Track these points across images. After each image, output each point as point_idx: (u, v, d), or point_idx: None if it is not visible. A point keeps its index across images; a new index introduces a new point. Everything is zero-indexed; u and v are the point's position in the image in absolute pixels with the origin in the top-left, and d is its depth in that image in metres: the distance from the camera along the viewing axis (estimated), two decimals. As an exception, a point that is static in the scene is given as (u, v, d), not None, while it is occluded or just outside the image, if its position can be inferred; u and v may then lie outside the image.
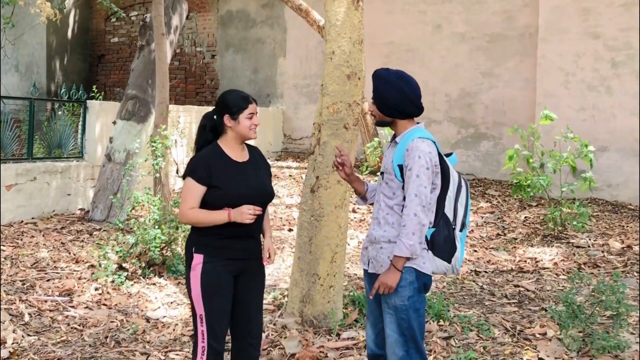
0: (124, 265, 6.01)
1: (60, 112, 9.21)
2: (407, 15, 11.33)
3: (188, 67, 14.10)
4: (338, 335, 4.56)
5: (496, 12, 10.58)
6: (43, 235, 7.33)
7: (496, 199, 9.32)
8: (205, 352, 3.17)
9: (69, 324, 4.94)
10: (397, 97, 3.05)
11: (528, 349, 4.31)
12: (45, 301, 5.37)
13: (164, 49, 7.71)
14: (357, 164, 10.65)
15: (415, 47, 11.26)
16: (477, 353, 4.22)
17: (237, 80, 13.29)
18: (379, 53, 11.18)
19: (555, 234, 7.48)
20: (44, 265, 6.29)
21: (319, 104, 4.70)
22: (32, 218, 8.02)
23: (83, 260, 6.43)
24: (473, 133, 10.83)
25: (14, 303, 5.24)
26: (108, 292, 5.61)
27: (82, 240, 7.26)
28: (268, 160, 11.57)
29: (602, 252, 6.85)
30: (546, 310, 5.03)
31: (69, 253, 6.72)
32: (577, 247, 7.07)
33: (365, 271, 3.20)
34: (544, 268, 6.42)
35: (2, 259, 6.31)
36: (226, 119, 3.25)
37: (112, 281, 5.76)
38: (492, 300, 5.45)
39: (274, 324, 4.74)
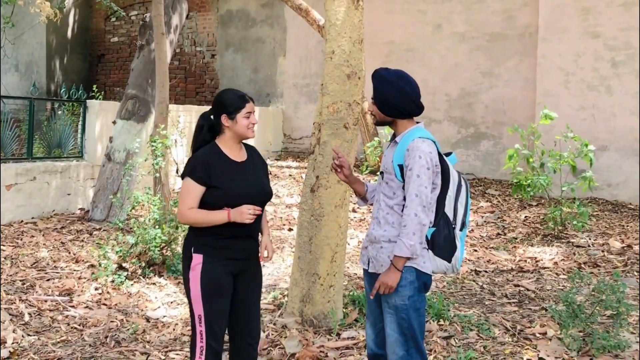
0: (124, 265, 6.01)
1: (60, 112, 9.21)
2: (407, 15, 11.33)
3: (188, 67, 14.10)
4: (338, 334, 4.56)
5: (496, 12, 10.57)
6: (43, 235, 7.33)
7: (496, 198, 9.32)
8: (204, 352, 3.17)
9: (69, 324, 4.94)
10: (397, 97, 3.05)
11: (528, 348, 4.31)
12: (45, 301, 5.37)
13: (163, 48, 7.71)
14: (357, 164, 10.65)
15: (415, 47, 11.26)
16: (477, 353, 4.21)
17: (237, 80, 13.29)
18: (379, 52, 11.18)
19: (556, 233, 7.48)
20: (43, 265, 6.28)
21: (319, 104, 4.70)
22: (32, 218, 8.02)
23: (83, 260, 6.43)
24: (473, 133, 10.82)
25: (14, 303, 5.24)
26: (108, 292, 5.61)
27: (82, 240, 7.26)
28: (268, 160, 11.49)
29: (602, 251, 6.85)
30: (546, 310, 5.03)
31: (69, 253, 6.72)
32: (577, 246, 7.07)
33: (365, 271, 3.20)
34: (544, 267, 6.42)
35: (2, 259, 6.30)
36: (224, 118, 3.23)
37: (112, 281, 5.76)
38: (492, 300, 5.45)
39: (274, 324, 4.74)
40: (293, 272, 4.86)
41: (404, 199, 2.99)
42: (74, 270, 6.15)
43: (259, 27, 13.21)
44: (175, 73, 13.78)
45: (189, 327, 4.73)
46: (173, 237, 6.02)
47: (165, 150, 6.85)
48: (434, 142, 3.04)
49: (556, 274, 6.23)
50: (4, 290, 5.47)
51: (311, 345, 4.36)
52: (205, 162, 3.18)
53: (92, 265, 6.22)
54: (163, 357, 4.34)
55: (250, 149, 3.40)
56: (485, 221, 8.19)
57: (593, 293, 4.45)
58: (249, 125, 3.25)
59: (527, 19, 10.24)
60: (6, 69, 14.10)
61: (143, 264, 6.01)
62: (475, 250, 7.03)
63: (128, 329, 4.81)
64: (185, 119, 10.03)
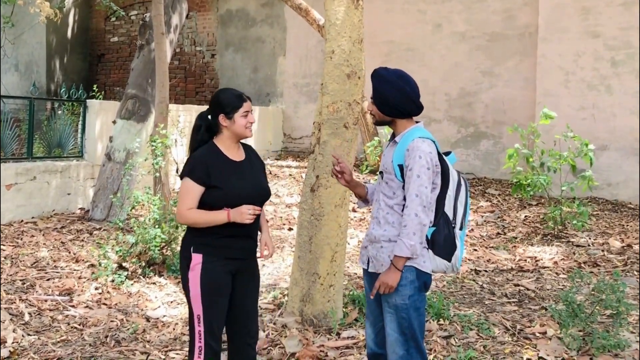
0: (124, 264, 6.01)
1: (60, 112, 9.22)
2: (407, 15, 11.32)
3: (188, 67, 14.10)
4: (338, 334, 4.56)
5: (496, 11, 10.57)
6: (43, 235, 7.33)
7: (496, 198, 9.32)
8: (203, 352, 3.17)
9: (69, 324, 4.94)
10: (397, 97, 3.05)
11: (528, 348, 4.31)
12: (45, 300, 5.37)
13: (163, 48, 7.71)
14: (357, 163, 10.65)
15: (415, 46, 11.26)
16: (477, 352, 4.22)
17: (237, 80, 13.29)
18: (378, 52, 11.18)
19: (555, 233, 7.48)
20: (44, 265, 6.29)
21: (319, 103, 4.70)
22: (32, 217, 8.02)
23: (83, 260, 6.43)
24: (473, 132, 10.82)
25: (14, 302, 5.24)
26: (108, 292, 5.62)
27: (82, 240, 7.26)
28: (267, 160, 11.49)
29: (602, 251, 6.85)
30: (546, 309, 5.03)
31: (69, 252, 6.72)
32: (577, 246, 7.07)
33: (365, 270, 3.20)
34: (544, 267, 6.42)
35: (2, 259, 6.31)
36: (221, 118, 3.22)
37: (112, 280, 5.76)
38: (492, 299, 5.45)
39: (274, 323, 4.74)
40: (293, 272, 4.86)
41: (404, 198, 2.99)
42: (74, 270, 6.15)
43: (258, 26, 13.21)
44: (175, 73, 13.78)
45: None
46: (173, 236, 6.02)
47: (165, 150, 6.85)
48: (434, 141, 3.04)
49: (556, 273, 6.23)
50: (4, 290, 5.47)
51: (311, 345, 4.36)
52: (204, 162, 3.17)
53: (92, 265, 6.22)
54: (163, 357, 4.34)
55: (247, 149, 3.39)
56: (485, 221, 8.19)
57: (593, 292, 4.45)
58: (247, 124, 3.24)
59: (527, 19, 10.24)
60: (6, 69, 14.10)
61: (143, 264, 6.02)
62: (475, 250, 7.03)
63: (128, 329, 4.82)
64: (185, 118, 10.03)
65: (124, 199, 7.45)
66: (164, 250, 6.11)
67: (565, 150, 7.66)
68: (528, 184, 7.62)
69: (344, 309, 4.87)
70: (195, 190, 3.14)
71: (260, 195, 3.29)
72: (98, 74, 15.15)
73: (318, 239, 4.67)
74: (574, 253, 6.81)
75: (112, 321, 4.98)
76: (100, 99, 10.29)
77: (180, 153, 8.06)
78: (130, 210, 6.71)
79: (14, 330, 4.63)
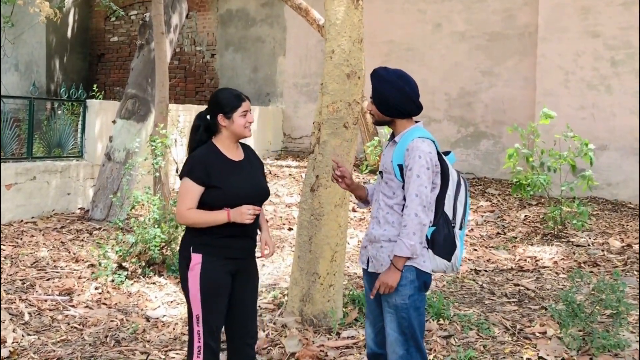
0: (123, 264, 6.01)
1: (60, 112, 9.22)
2: (407, 14, 11.32)
3: (188, 66, 14.09)
4: (338, 334, 4.56)
5: (496, 11, 10.57)
6: (43, 235, 7.33)
7: (496, 197, 9.32)
8: (202, 352, 3.16)
9: (68, 323, 4.94)
10: (397, 97, 3.04)
11: (528, 347, 4.31)
12: (45, 300, 5.37)
13: (163, 48, 7.71)
14: (357, 163, 10.65)
15: (415, 46, 11.26)
16: (477, 352, 4.22)
17: (237, 79, 13.29)
18: (378, 52, 11.17)
19: (555, 232, 7.48)
20: (43, 265, 6.29)
21: (319, 103, 4.70)
22: (32, 217, 8.02)
23: (83, 260, 6.43)
24: (473, 132, 10.82)
25: (14, 302, 5.24)
26: (108, 292, 5.62)
27: (82, 240, 7.26)
28: (267, 159, 11.48)
29: (602, 250, 6.85)
30: (546, 309, 5.03)
31: (69, 252, 6.72)
32: (577, 245, 7.07)
33: (364, 270, 3.20)
34: (544, 267, 6.42)
35: (2, 258, 6.31)
36: (220, 118, 3.22)
37: (112, 280, 5.76)
38: (492, 299, 5.45)
39: (274, 323, 4.74)
40: (293, 272, 4.86)
41: (404, 198, 2.99)
42: (74, 270, 6.15)
43: (258, 26, 13.21)
44: (175, 72, 13.78)
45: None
46: (173, 236, 6.02)
47: (165, 150, 6.85)
48: (433, 141, 3.04)
49: (556, 273, 6.23)
50: (4, 290, 5.47)
51: (311, 345, 4.36)
52: (203, 162, 3.16)
53: (92, 265, 6.22)
54: (163, 357, 4.34)
55: (246, 148, 3.39)
56: (485, 220, 8.19)
57: (593, 292, 4.45)
58: (246, 124, 3.23)
59: (527, 19, 10.24)
60: (6, 69, 14.10)
61: (143, 264, 6.02)
62: (475, 250, 7.03)
63: (128, 329, 4.82)
64: (185, 118, 10.03)
65: (124, 198, 7.45)
66: (164, 250, 6.11)
67: (565, 150, 7.66)
68: (528, 184, 7.62)
69: (343, 309, 4.87)
70: (195, 190, 3.14)
71: (260, 195, 3.29)
72: (98, 74, 15.15)
73: (318, 239, 4.67)
74: (574, 253, 6.81)
75: (112, 321, 4.98)
76: (100, 98, 10.29)
77: (180, 153, 8.06)
78: (130, 210, 6.70)
79: (13, 330, 4.64)
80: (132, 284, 5.79)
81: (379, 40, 11.29)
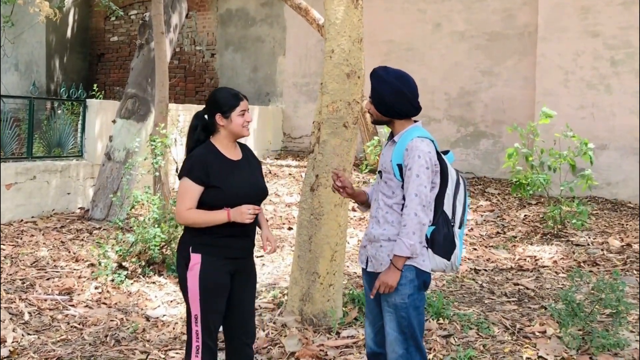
0: (123, 264, 6.01)
1: (59, 111, 9.22)
2: (407, 14, 11.33)
3: (187, 66, 14.09)
4: (338, 333, 4.57)
5: (496, 11, 10.57)
6: (43, 234, 7.34)
7: (496, 197, 9.32)
8: (200, 351, 3.16)
9: (68, 323, 4.95)
10: (395, 99, 3.04)
11: (528, 347, 4.31)
12: (45, 300, 5.37)
13: (163, 47, 7.71)
14: (357, 163, 10.65)
15: (415, 46, 11.26)
16: (476, 351, 4.22)
17: (237, 79, 13.29)
18: (378, 51, 11.17)
19: (555, 232, 7.48)
20: (43, 264, 6.29)
21: (319, 103, 4.70)
22: (32, 217, 8.02)
23: (83, 259, 6.44)
24: (472, 131, 10.83)
25: (14, 302, 5.24)
26: (108, 291, 5.62)
27: (82, 239, 7.27)
28: (267, 159, 11.46)
29: (602, 250, 6.86)
30: (546, 309, 5.03)
31: (69, 252, 6.73)
32: (577, 245, 7.07)
33: (364, 270, 3.20)
34: (544, 266, 6.42)
35: (2, 258, 6.31)
36: (218, 117, 3.21)
37: (112, 280, 5.76)
38: (492, 299, 5.45)
39: (274, 323, 4.75)
40: (293, 271, 4.86)
41: (403, 198, 2.99)
42: (74, 270, 6.16)
43: (258, 26, 13.21)
44: (175, 72, 13.78)
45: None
46: (173, 236, 6.02)
47: (164, 149, 6.86)
48: (432, 141, 3.04)
49: (555, 272, 6.23)
50: (4, 289, 5.47)
51: (311, 344, 4.37)
52: (202, 162, 3.15)
53: (92, 264, 6.22)
54: (163, 356, 4.34)
55: (243, 148, 3.39)
56: (484, 220, 8.19)
57: (592, 292, 4.46)
58: (244, 123, 3.23)
59: (527, 18, 10.25)
60: (6, 68, 14.10)
61: (143, 263, 6.02)
62: (475, 249, 7.03)
63: (128, 328, 4.82)
64: (185, 118, 10.03)
65: (124, 198, 7.45)
66: (164, 250, 6.11)
67: (565, 149, 7.66)
68: (528, 183, 7.62)
69: (343, 308, 4.87)
70: (194, 190, 3.13)
71: (259, 194, 3.29)
72: (98, 74, 15.15)
73: (318, 238, 4.67)
74: (574, 252, 6.82)
75: (111, 320, 4.98)
76: (100, 98, 10.29)
77: (180, 152, 8.06)
78: (130, 209, 6.71)
79: (13, 330, 4.64)
80: (132, 283, 5.79)
81: (378, 39, 11.29)
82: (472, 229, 7.77)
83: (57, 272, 6.09)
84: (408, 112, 3.09)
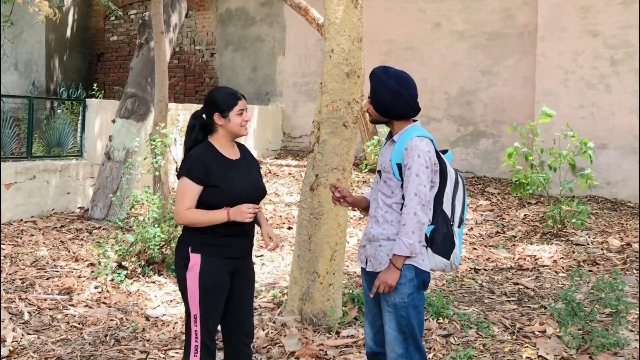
0: (123, 263, 6.01)
1: (59, 111, 9.22)
2: (407, 13, 11.32)
3: (187, 66, 14.09)
4: (338, 333, 4.57)
5: (495, 10, 10.57)
6: (42, 234, 7.33)
7: (495, 196, 9.32)
8: (199, 351, 3.15)
9: (68, 323, 4.95)
10: (394, 101, 3.04)
11: (527, 346, 4.31)
12: (45, 300, 5.37)
13: (163, 47, 7.71)
14: (357, 162, 10.65)
15: (415, 45, 11.26)
16: (476, 351, 4.22)
17: (237, 79, 13.29)
18: (378, 51, 11.17)
19: (555, 231, 7.48)
20: (43, 264, 6.29)
21: (318, 102, 4.70)
22: (32, 216, 8.02)
23: (82, 259, 6.43)
24: (472, 131, 10.83)
25: (14, 301, 5.24)
26: (107, 291, 5.62)
27: (82, 239, 7.26)
28: (267, 158, 11.47)
29: (602, 249, 6.86)
30: (545, 308, 5.03)
31: (69, 251, 6.72)
32: (577, 244, 7.07)
33: (363, 269, 3.20)
34: (544, 266, 6.42)
35: (2, 258, 6.31)
36: (216, 117, 3.21)
37: (112, 279, 5.76)
38: (492, 298, 5.45)
39: (274, 322, 4.75)
40: (292, 271, 4.86)
41: (403, 197, 2.99)
42: (74, 269, 6.16)
43: (258, 25, 13.21)
44: (175, 72, 13.77)
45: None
46: (172, 235, 6.02)
47: (164, 149, 6.86)
48: (431, 140, 3.04)
49: (555, 272, 6.23)
50: (4, 289, 5.47)
51: (311, 344, 4.37)
52: (201, 161, 3.14)
53: (92, 264, 6.22)
54: (162, 356, 4.34)
55: (241, 147, 3.38)
56: (484, 219, 8.19)
57: (592, 291, 4.46)
58: (242, 122, 3.22)
59: (527, 18, 10.25)
60: (5, 68, 14.09)
61: (142, 263, 6.02)
62: (475, 249, 7.03)
63: (128, 328, 4.82)
64: (184, 117, 10.02)
65: (124, 198, 7.45)
66: (164, 249, 6.11)
67: (565, 149, 7.66)
68: (527, 183, 7.62)
69: (343, 308, 4.87)
70: (194, 189, 3.12)
71: (258, 193, 3.29)
72: (97, 73, 15.15)
73: (317, 238, 4.67)
74: (573, 252, 6.82)
75: (111, 320, 4.98)
76: (99, 98, 10.29)
77: (179, 152, 8.06)
78: (130, 209, 6.71)
79: (13, 329, 4.64)
80: (131, 283, 5.79)
81: (378, 39, 11.29)
82: (471, 228, 7.77)
83: (56, 271, 6.09)
84: (407, 114, 3.09)
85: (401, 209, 2.99)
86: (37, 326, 4.85)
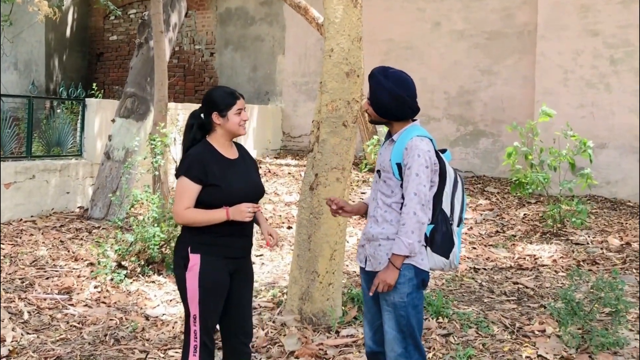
0: (123, 263, 6.01)
1: (59, 110, 9.22)
2: (406, 13, 11.32)
3: (187, 65, 14.09)
4: (337, 332, 4.57)
5: (495, 10, 10.57)
6: (42, 234, 7.33)
7: (495, 196, 9.32)
8: (198, 350, 3.15)
9: (68, 322, 4.94)
10: (393, 104, 3.04)
11: (527, 346, 4.31)
12: (45, 299, 5.37)
13: (162, 46, 7.71)
14: (356, 162, 10.65)
15: (414, 45, 11.26)
16: (476, 350, 4.22)
17: (236, 78, 13.28)
18: (377, 50, 11.17)
19: (554, 231, 7.48)
20: (43, 264, 6.29)
21: (318, 102, 4.70)
22: (31, 216, 8.02)
23: (82, 258, 6.43)
24: (472, 130, 10.83)
25: (13, 301, 5.24)
26: (107, 290, 5.62)
27: (81, 239, 7.26)
28: (267, 158, 11.46)
29: (601, 249, 6.86)
30: (545, 307, 5.03)
31: (68, 251, 6.72)
32: (576, 244, 7.08)
33: (362, 269, 3.20)
34: (543, 265, 6.42)
35: (2, 257, 6.31)
36: (214, 116, 3.20)
37: (111, 279, 5.76)
38: (491, 298, 5.45)
39: (273, 322, 4.74)
40: (292, 270, 4.86)
41: (402, 197, 2.99)
42: (73, 269, 6.16)
43: (257, 25, 13.20)
44: (174, 71, 13.77)
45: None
46: (172, 235, 6.02)
47: (164, 149, 6.86)
48: (431, 139, 3.04)
49: (555, 271, 6.23)
50: (4, 289, 5.47)
51: (310, 343, 4.36)
52: (200, 161, 3.14)
53: (92, 264, 6.22)
54: (162, 355, 4.34)
55: (239, 147, 3.38)
56: (484, 219, 8.19)
57: (592, 290, 4.46)
58: (240, 122, 3.22)
59: (526, 17, 10.24)
60: (5, 68, 14.09)
61: (142, 262, 6.02)
62: (474, 248, 7.03)
63: (127, 327, 4.82)
64: (184, 117, 10.01)
65: (123, 197, 7.45)
66: (163, 249, 6.11)
67: (564, 148, 7.66)
68: (527, 182, 7.62)
69: (343, 307, 4.87)
70: (193, 189, 3.12)
71: (256, 193, 3.29)
72: (97, 73, 15.14)
73: (317, 237, 4.67)
74: (573, 251, 6.82)
75: (111, 320, 4.98)
76: (99, 97, 10.29)
77: (179, 151, 8.07)
78: (130, 208, 6.71)
79: (13, 329, 4.64)
80: (131, 282, 5.79)
81: (378, 38, 11.28)
82: (471, 227, 7.77)
83: (56, 271, 6.09)
84: (406, 115, 3.09)
85: (401, 208, 2.99)
86: (36, 326, 4.85)
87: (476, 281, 5.93)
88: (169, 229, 5.99)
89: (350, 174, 4.84)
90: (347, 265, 6.23)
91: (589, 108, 9.43)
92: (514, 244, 7.17)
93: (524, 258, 6.69)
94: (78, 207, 8.54)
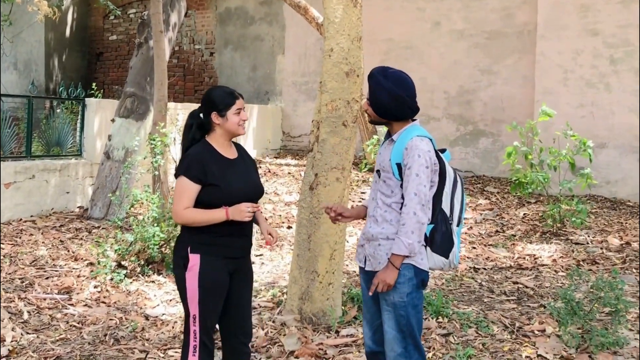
0: (122, 263, 6.01)
1: (58, 110, 9.22)
2: (406, 12, 11.32)
3: (186, 65, 14.09)
4: (337, 332, 4.57)
5: (495, 9, 10.57)
6: (42, 233, 7.33)
7: (495, 196, 9.32)
8: (198, 350, 3.15)
9: (67, 322, 4.94)
10: (393, 104, 3.04)
11: (527, 345, 4.32)
12: (44, 299, 5.37)
13: (162, 46, 7.70)
14: (356, 161, 10.65)
15: (414, 44, 11.26)
16: (476, 350, 4.22)
17: (236, 78, 13.28)
18: (377, 50, 11.17)
19: (554, 230, 7.48)
20: (42, 263, 6.28)
21: (318, 102, 4.70)
22: (31, 216, 8.02)
23: (82, 258, 6.43)
24: (472, 130, 10.83)
25: (13, 301, 5.24)
26: (107, 290, 5.62)
27: (81, 238, 7.26)
28: (266, 158, 11.47)
29: (601, 248, 6.86)
30: (545, 307, 5.03)
31: (68, 251, 6.72)
32: (576, 243, 7.08)
33: (362, 269, 3.20)
34: (543, 265, 6.42)
35: (2, 257, 6.30)
36: (214, 116, 3.20)
37: (111, 279, 5.76)
38: (491, 297, 5.45)
39: (273, 322, 4.74)
40: (292, 270, 4.86)
41: (402, 197, 2.99)
42: (73, 269, 6.15)
43: (257, 24, 13.20)
44: (174, 71, 13.77)
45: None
46: (172, 235, 6.02)
47: (164, 148, 6.85)
48: (431, 139, 3.04)
49: (555, 271, 6.23)
50: (3, 289, 5.47)
51: (310, 343, 4.36)
52: (199, 161, 3.14)
53: (91, 264, 6.22)
54: (162, 355, 4.34)
55: (238, 147, 3.38)
56: (484, 218, 8.19)
57: (592, 290, 4.46)
58: (240, 122, 3.22)
59: (526, 17, 10.25)
60: (5, 67, 14.09)
61: (142, 262, 6.01)
62: (474, 248, 7.03)
63: (127, 327, 4.82)
64: (184, 117, 9.98)
65: (123, 197, 7.45)
66: (163, 249, 6.11)
67: (564, 148, 7.66)
68: (527, 182, 7.62)
69: (342, 307, 4.87)
70: (192, 188, 3.12)
71: (256, 192, 3.29)
72: (97, 73, 15.14)
73: (317, 237, 4.67)
74: (573, 251, 6.82)
75: (111, 319, 4.98)
76: (99, 97, 10.28)
77: (179, 151, 8.07)
78: (129, 208, 6.70)
79: (12, 329, 4.63)
80: (131, 282, 5.79)
81: (378, 38, 11.28)
82: (471, 227, 7.77)
83: (56, 271, 6.09)
84: (406, 115, 3.09)
85: (400, 208, 2.99)
86: (36, 325, 4.85)
87: (476, 281, 5.93)
88: (169, 228, 5.99)
89: (350, 174, 4.84)
90: (347, 265, 6.23)
91: (589, 108, 9.43)
92: (513, 244, 7.17)
93: (524, 258, 6.69)
94: (78, 207, 8.54)
